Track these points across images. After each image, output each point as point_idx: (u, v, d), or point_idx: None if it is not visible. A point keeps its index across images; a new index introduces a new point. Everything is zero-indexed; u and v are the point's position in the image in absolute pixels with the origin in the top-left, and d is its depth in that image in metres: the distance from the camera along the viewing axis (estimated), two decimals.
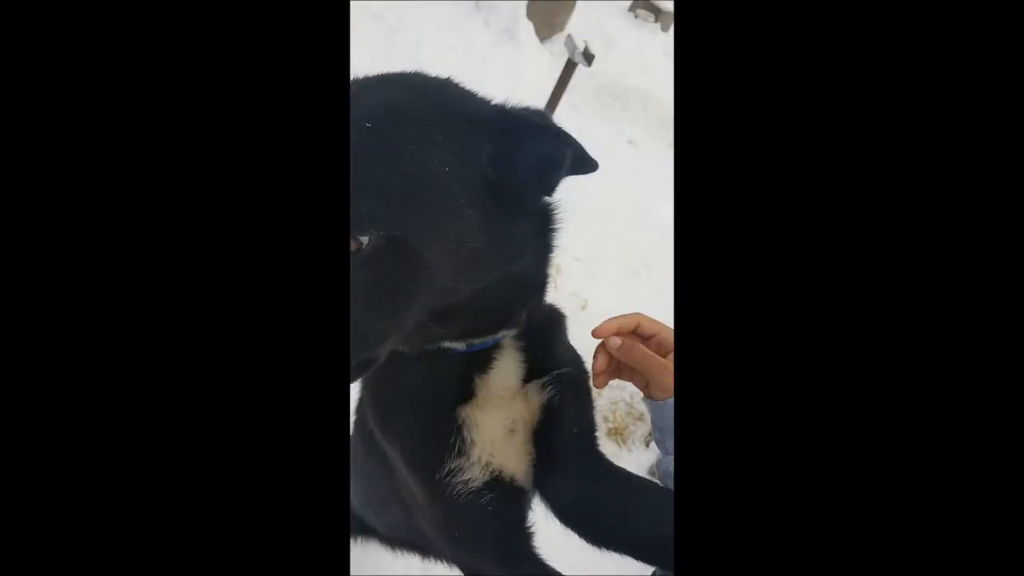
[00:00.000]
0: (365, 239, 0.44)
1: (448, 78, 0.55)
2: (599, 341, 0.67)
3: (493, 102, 0.55)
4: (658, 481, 0.70)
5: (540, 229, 0.57)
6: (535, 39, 2.92)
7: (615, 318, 0.66)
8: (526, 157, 0.52)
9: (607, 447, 1.63)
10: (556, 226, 0.60)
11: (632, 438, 1.69)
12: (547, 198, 0.59)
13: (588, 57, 1.65)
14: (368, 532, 1.05)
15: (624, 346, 0.64)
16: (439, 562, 0.89)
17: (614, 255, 2.21)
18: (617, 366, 0.67)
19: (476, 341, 0.61)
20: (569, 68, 1.71)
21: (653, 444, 1.75)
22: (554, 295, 0.65)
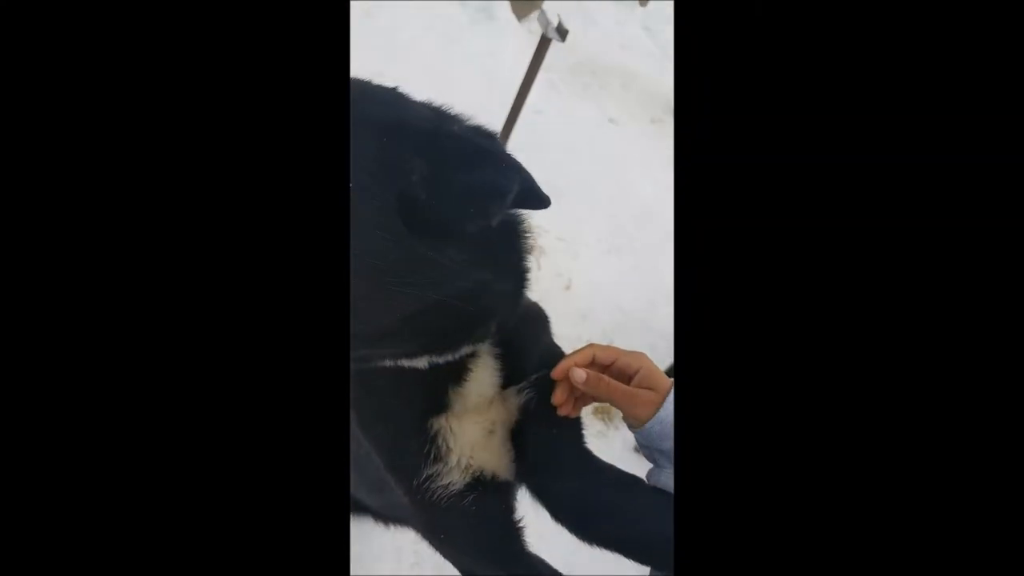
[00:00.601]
0: None
1: (394, 88, 0.51)
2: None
3: (451, 113, 0.51)
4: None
5: (485, 255, 0.53)
6: (512, 18, 2.87)
7: (570, 356, 0.64)
8: (464, 181, 0.47)
9: (593, 426, 1.66)
10: (518, 247, 0.56)
11: (618, 416, 1.71)
12: (516, 219, 0.56)
13: (562, 32, 1.62)
14: (362, 509, 1.05)
15: (589, 379, 0.61)
16: (426, 541, 0.90)
17: (596, 234, 2.22)
18: (583, 394, 0.64)
19: (439, 360, 0.59)
20: (543, 44, 1.69)
21: None
22: (537, 275, 0.64)
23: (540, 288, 0.72)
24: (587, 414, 0.74)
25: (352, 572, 1.41)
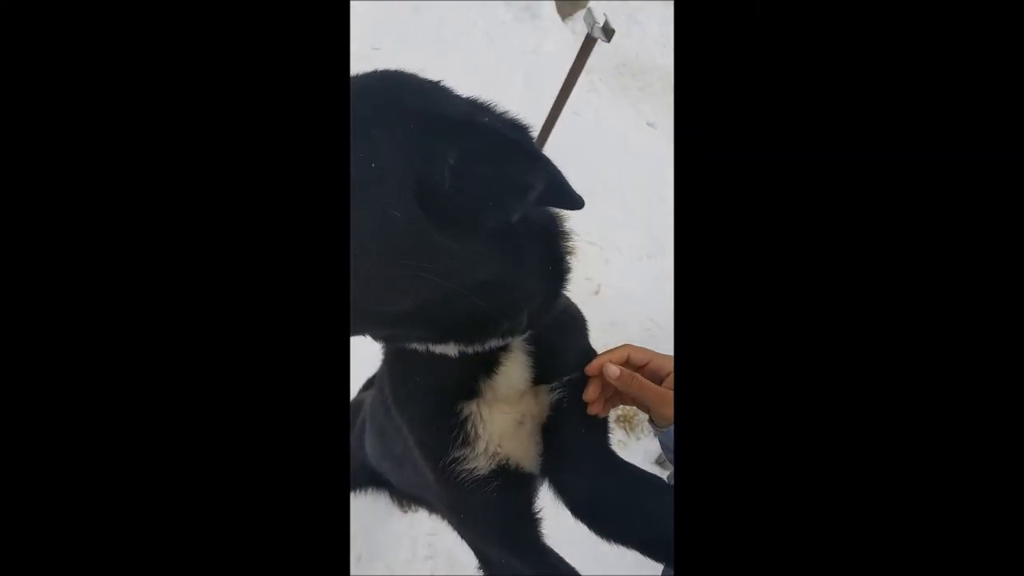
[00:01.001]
0: None
1: (438, 82, 0.52)
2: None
3: (488, 106, 0.51)
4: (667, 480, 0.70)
5: (509, 250, 0.52)
6: (557, 17, 2.86)
7: (604, 353, 0.66)
8: (487, 174, 0.47)
9: (615, 434, 1.64)
10: (555, 247, 0.57)
11: (641, 426, 1.69)
12: (554, 219, 0.57)
13: (607, 32, 1.60)
14: (381, 484, 1.07)
15: (623, 376, 0.63)
16: (445, 520, 0.92)
17: (629, 239, 2.19)
18: (615, 393, 0.66)
19: (468, 350, 0.59)
20: (588, 44, 1.67)
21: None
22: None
23: (568, 292, 0.72)
24: (609, 422, 0.74)
25: (367, 558, 1.43)
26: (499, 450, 0.63)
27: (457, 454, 0.62)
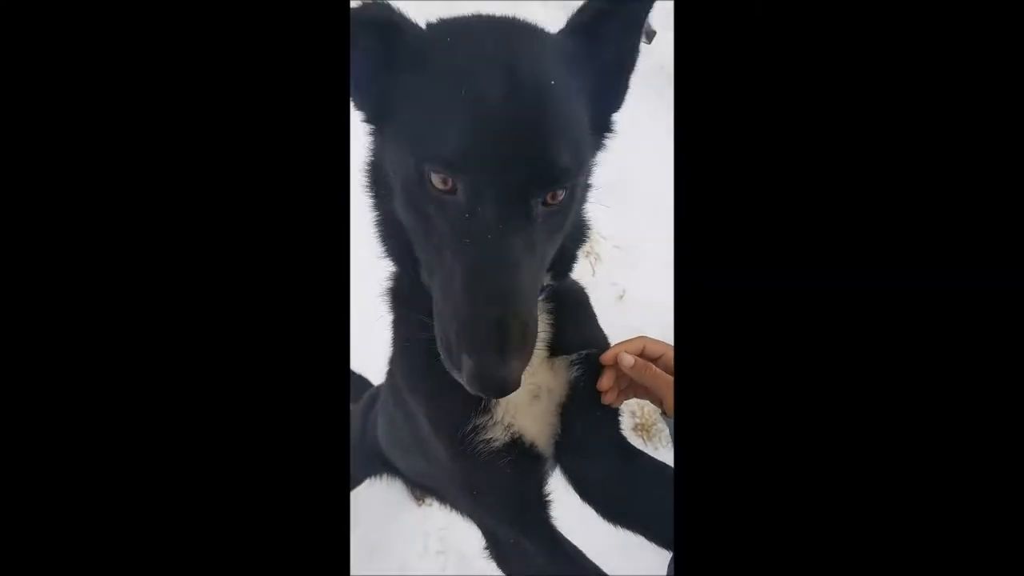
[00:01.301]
0: (561, 193, 0.47)
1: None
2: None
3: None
4: None
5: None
6: None
7: (620, 343, 0.67)
8: (602, 60, 0.52)
9: (632, 443, 1.62)
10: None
11: (659, 436, 1.67)
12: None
13: (649, 34, 1.59)
14: (395, 472, 1.10)
15: (637, 365, 0.64)
16: (455, 511, 0.92)
17: (655, 245, 2.16)
18: (630, 384, 0.67)
19: None
20: None
21: None
22: (592, 283, 0.64)
23: (593, 296, 0.71)
24: (626, 431, 0.74)
25: (380, 552, 1.44)
26: (513, 421, 0.64)
27: (478, 421, 0.63)
